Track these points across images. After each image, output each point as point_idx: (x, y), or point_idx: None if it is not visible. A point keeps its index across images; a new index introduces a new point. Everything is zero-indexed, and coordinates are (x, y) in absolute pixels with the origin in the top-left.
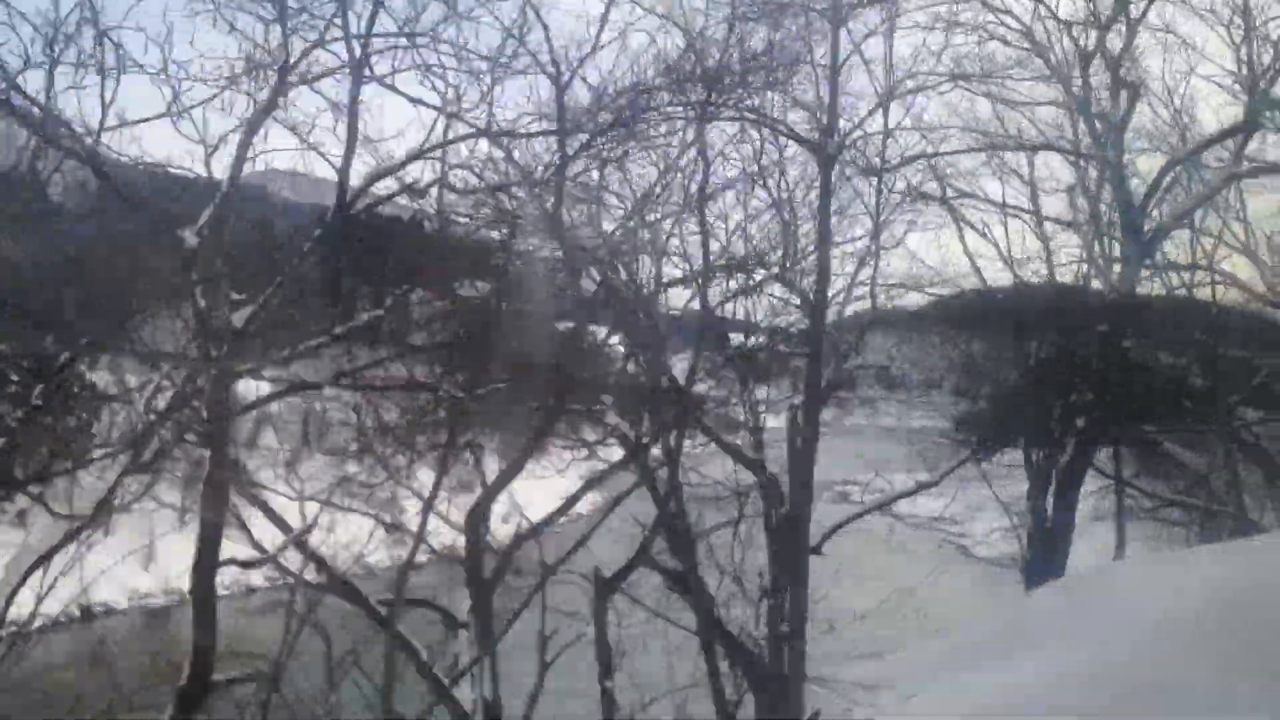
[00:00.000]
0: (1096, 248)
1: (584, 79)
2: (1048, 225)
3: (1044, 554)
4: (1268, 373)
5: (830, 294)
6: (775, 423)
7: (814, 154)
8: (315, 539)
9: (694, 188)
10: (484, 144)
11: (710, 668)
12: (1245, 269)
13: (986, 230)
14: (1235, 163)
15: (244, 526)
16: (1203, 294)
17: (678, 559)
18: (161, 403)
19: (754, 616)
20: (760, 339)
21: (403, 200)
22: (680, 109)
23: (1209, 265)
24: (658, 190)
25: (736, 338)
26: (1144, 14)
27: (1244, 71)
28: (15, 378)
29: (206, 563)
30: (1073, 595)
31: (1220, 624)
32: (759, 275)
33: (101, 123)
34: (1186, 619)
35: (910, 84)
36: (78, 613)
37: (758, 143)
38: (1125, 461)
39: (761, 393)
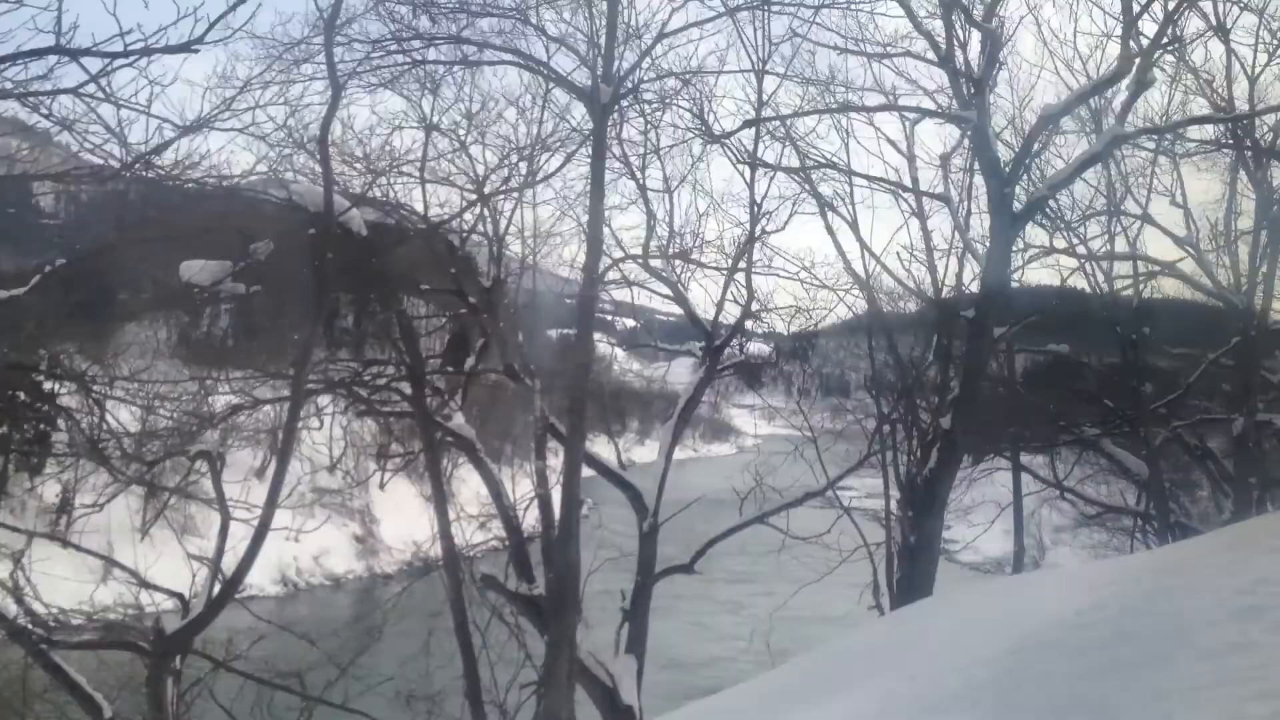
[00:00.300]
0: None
1: None
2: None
3: (908, 571)
4: (1204, 370)
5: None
6: (770, 429)
7: (584, 102)
8: None
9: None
10: None
11: None
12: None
13: (838, 204)
14: (1120, 123)
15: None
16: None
17: (525, 582)
18: None
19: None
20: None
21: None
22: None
23: (1132, 253)
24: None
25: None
26: None
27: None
28: None
29: None
30: (924, 620)
31: (1056, 652)
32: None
33: None
34: (1018, 648)
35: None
36: None
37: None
38: (1066, 465)
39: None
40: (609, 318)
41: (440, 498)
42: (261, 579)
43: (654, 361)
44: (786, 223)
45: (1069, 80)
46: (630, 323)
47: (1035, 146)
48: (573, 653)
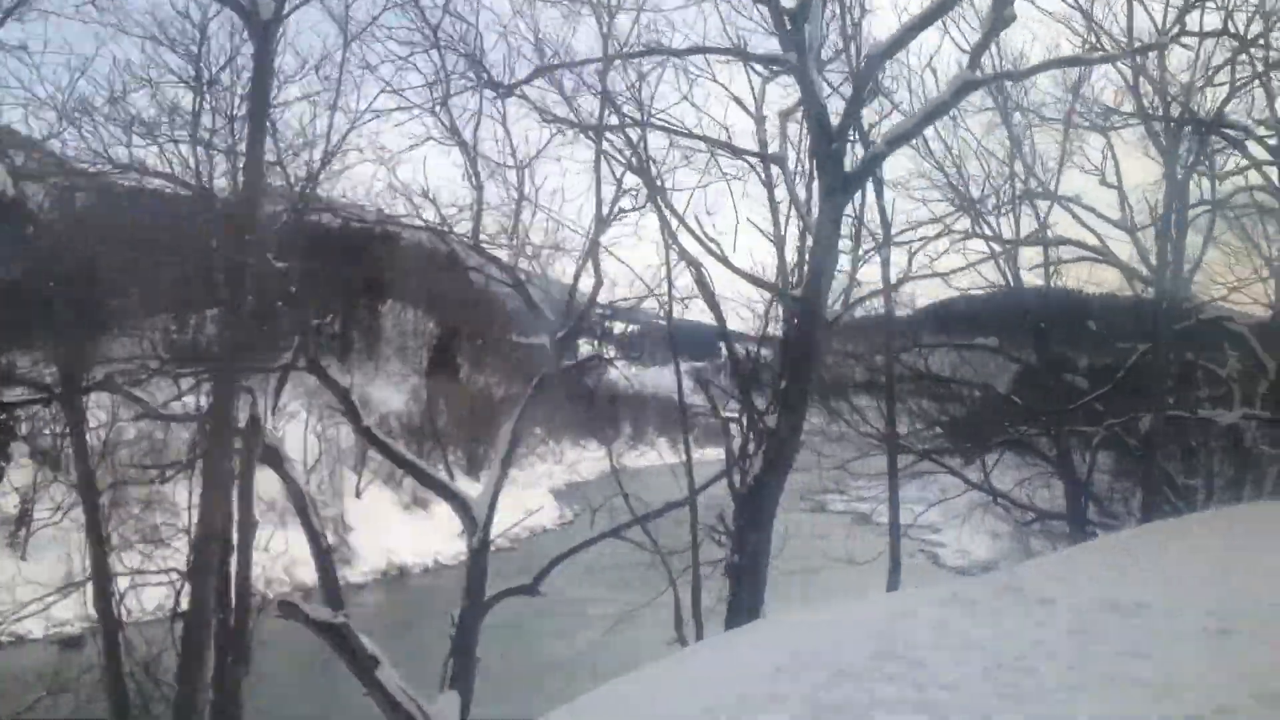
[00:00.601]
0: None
1: None
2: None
3: (735, 592)
4: (1130, 367)
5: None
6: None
7: (242, 19)
8: None
9: None
10: None
11: None
12: (1124, 245)
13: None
14: (971, 68)
15: None
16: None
17: (332, 607)
18: None
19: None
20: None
21: None
22: None
23: (1041, 238)
24: None
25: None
26: None
27: None
28: None
29: None
30: (669, 671)
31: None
32: None
33: None
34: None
35: None
36: None
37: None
38: (1003, 468)
39: None
40: (605, 323)
41: (94, 522)
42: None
43: (649, 366)
44: (647, 202)
45: (953, 33)
46: (626, 327)
47: (867, 94)
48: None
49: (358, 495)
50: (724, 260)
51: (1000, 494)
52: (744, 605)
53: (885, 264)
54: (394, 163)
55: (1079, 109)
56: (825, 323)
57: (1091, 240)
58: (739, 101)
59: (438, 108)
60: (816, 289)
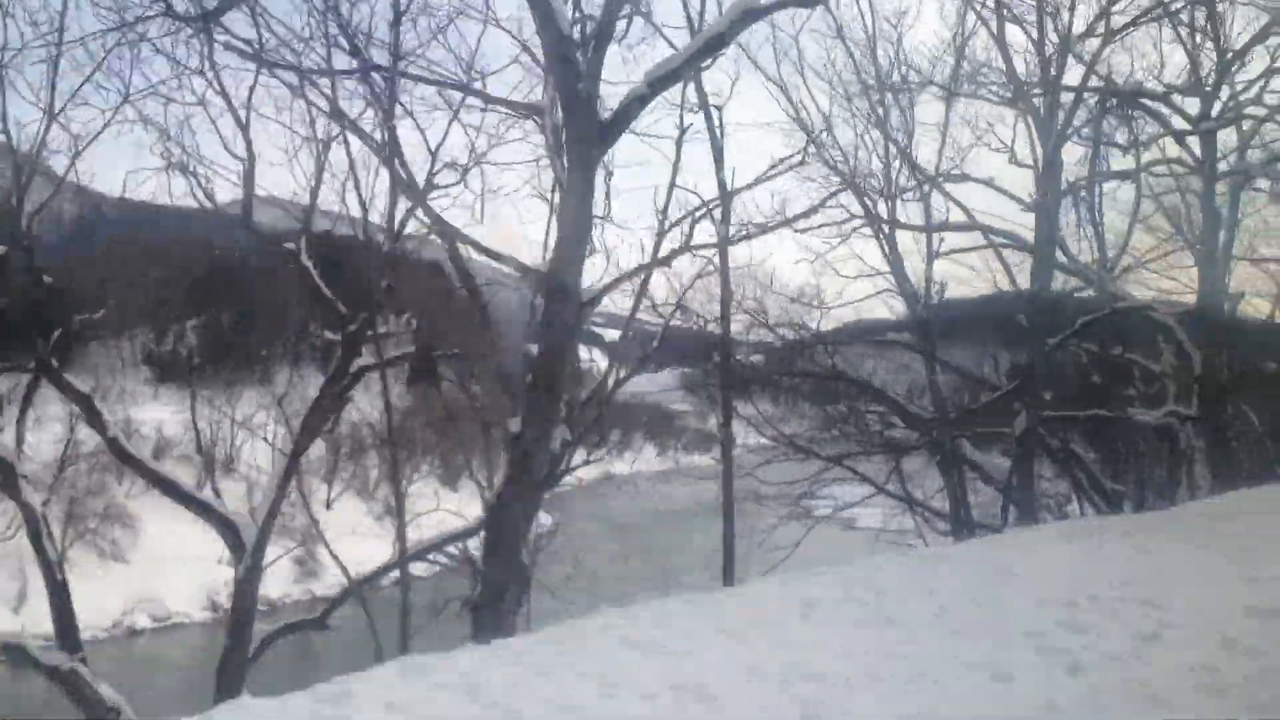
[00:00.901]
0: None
1: None
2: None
3: (476, 633)
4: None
5: None
6: (760, 438)
7: None
8: None
9: None
10: None
11: None
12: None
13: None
14: None
15: None
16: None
17: (68, 650)
18: None
19: None
20: None
21: None
22: None
23: (926, 225)
24: None
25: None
26: None
27: None
28: None
29: None
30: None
31: None
32: None
33: None
34: None
35: None
36: None
37: None
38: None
39: None
40: (597, 329)
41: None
42: (188, 605)
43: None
44: (467, 172)
45: None
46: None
47: (623, 20)
48: None
49: (328, 506)
50: (458, 233)
51: (913, 500)
52: (485, 618)
53: (724, 240)
54: (172, 138)
55: (976, 79)
56: (579, 304)
57: (992, 223)
58: (529, 50)
59: (206, 68)
60: (565, 262)
